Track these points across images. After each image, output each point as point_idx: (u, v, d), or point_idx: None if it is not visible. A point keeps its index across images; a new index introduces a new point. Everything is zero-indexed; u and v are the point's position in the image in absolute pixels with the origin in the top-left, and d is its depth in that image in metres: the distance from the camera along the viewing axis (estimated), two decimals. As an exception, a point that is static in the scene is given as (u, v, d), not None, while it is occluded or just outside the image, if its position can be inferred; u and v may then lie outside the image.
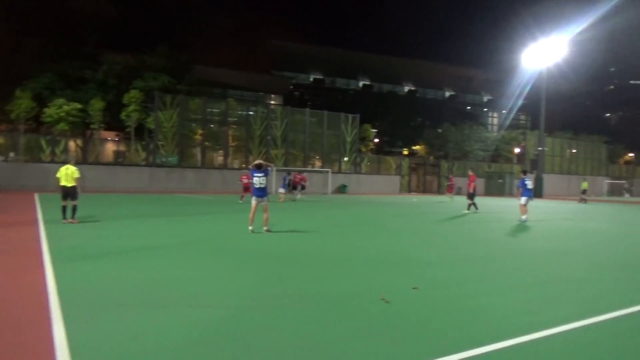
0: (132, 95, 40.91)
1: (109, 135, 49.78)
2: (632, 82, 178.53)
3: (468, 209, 19.21)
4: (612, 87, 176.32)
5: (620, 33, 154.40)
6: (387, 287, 5.37)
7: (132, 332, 3.69)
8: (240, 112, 42.61)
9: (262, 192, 10.34)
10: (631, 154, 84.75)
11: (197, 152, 39.14)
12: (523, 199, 15.22)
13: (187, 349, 3.37)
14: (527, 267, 7.11)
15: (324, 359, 3.24)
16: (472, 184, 19.34)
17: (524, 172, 16.13)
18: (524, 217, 15.08)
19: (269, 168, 10.48)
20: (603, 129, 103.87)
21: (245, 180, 21.87)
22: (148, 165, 35.49)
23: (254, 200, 10.38)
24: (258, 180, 10.29)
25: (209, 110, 39.78)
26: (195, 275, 5.95)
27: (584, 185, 34.12)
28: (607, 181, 59.97)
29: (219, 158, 40.89)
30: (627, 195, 59.50)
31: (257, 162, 10.51)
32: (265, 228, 10.43)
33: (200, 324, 3.92)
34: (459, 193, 33.33)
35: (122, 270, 6.06)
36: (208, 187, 36.13)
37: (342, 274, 6.22)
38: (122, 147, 41.55)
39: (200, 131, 39.35)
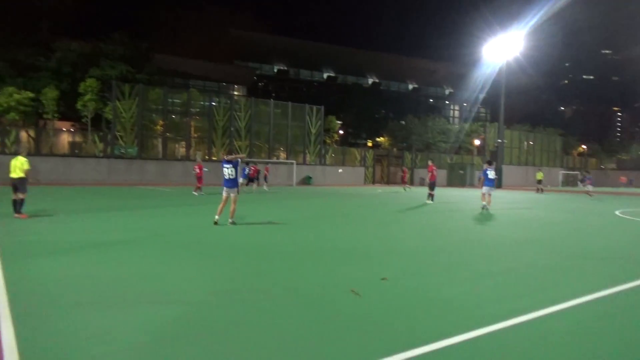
0: (89, 84, 39.26)
1: (64, 125, 47.68)
2: (585, 77, 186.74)
3: (429, 199, 19.50)
4: (566, 81, 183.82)
5: (575, 29, 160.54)
6: (355, 279, 5.28)
7: (88, 332, 3.45)
8: (202, 103, 41.67)
9: (231, 184, 10.27)
10: (584, 146, 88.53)
11: (158, 143, 38.07)
12: (484, 189, 15.66)
13: (146, 348, 3.16)
14: (491, 256, 7.20)
15: (293, 355, 3.11)
16: (432, 174, 19.66)
17: (489, 163, 16.51)
18: (484, 202, 15.55)
19: (239, 159, 10.25)
20: (558, 121, 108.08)
21: (197, 171, 21.54)
22: (106, 156, 34.24)
23: (224, 192, 10.33)
24: (227, 171, 10.21)
25: (170, 100, 38.69)
26: (157, 270, 5.68)
27: (539, 175, 35.38)
28: (562, 172, 62.37)
29: (181, 149, 39.94)
30: (580, 186, 62.07)
31: (227, 157, 10.24)
32: (230, 220, 10.24)
33: (162, 321, 3.71)
34: (422, 184, 33.91)
35: (78, 267, 5.72)
36: (170, 179, 35.24)
37: (310, 267, 6.10)
38: (78, 138, 39.92)
39: (161, 122, 38.25)
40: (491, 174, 15.84)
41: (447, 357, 3.13)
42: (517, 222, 12.51)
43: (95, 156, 34.33)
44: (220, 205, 10.29)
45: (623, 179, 54.14)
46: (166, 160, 36.32)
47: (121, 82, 36.69)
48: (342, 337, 3.47)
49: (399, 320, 3.92)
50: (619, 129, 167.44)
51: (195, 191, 21.50)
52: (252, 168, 25.89)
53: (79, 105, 40.15)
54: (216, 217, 10.18)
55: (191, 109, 39.23)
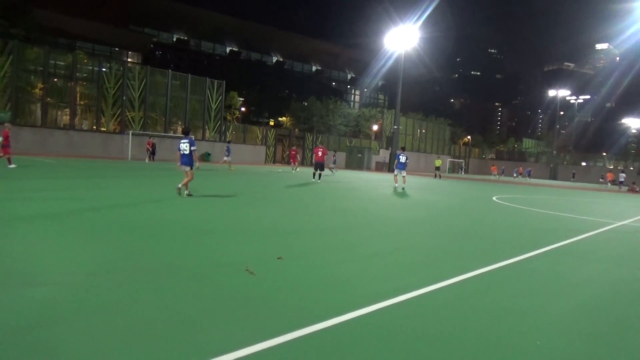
0: (-52, 35, 33.76)
1: None
2: (473, 72, 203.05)
3: (318, 178, 20.49)
4: (456, 75, 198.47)
5: (467, 27, 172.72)
6: (251, 258, 5.14)
7: None
8: (90, 68, 37.98)
9: (188, 160, 10.75)
10: (469, 137, 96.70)
11: (37, 108, 34.09)
12: (396, 171, 18.79)
13: (9, 333, 2.74)
14: (383, 235, 7.50)
15: (181, 335, 2.90)
16: (320, 155, 20.79)
17: (402, 149, 19.24)
18: (396, 185, 18.65)
19: (192, 137, 11.15)
20: (448, 112, 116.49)
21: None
22: (-30, 120, 29.93)
23: (181, 168, 10.86)
24: (183, 146, 10.76)
25: (52, 62, 34.68)
26: (30, 249, 5.03)
27: (438, 162, 38.06)
28: (449, 159, 67.53)
29: (64, 117, 36.20)
30: (461, 173, 67.89)
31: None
32: (186, 192, 10.73)
33: (32, 304, 3.26)
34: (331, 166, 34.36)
35: None
36: (50, 150, 31.85)
37: (204, 245, 5.83)
38: None
39: (40, 85, 34.23)
40: (402, 158, 18.45)
41: (336, 334, 3.13)
42: (409, 205, 13.24)
43: (-44, 119, 29.83)
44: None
45: (494, 168, 60.29)
46: (46, 128, 32.73)
47: (-9, 36, 32.08)
48: (232, 315, 3.32)
49: (293, 298, 3.87)
50: (499, 123, 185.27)
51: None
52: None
53: None
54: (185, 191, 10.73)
55: (77, 74, 35.59)
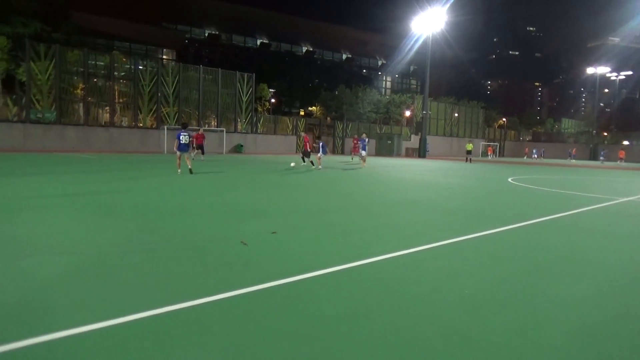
0: (-2, 42, 36.32)
1: (-29, 86, 43.90)
2: (511, 52, 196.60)
3: (303, 162, 21.99)
4: (493, 56, 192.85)
5: (501, 5, 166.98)
6: (250, 233, 6.03)
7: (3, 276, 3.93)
8: (127, 66, 39.98)
9: (186, 147, 14.96)
10: (504, 119, 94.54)
11: (79, 108, 36.26)
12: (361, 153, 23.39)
13: (39, 291, 3.71)
14: (374, 215, 8.23)
15: (178, 289, 3.79)
16: (308, 144, 21.86)
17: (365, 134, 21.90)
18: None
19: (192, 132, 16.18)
20: (482, 94, 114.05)
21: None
22: (21, 121, 32.29)
23: (178, 153, 14.89)
24: (184, 137, 14.74)
25: (91, 62, 36.76)
26: (63, 227, 6.11)
27: (469, 146, 37.77)
28: (483, 143, 66.58)
29: (105, 115, 38.34)
30: (492, 156, 66.93)
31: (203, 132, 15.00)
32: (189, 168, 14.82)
33: (60, 268, 4.24)
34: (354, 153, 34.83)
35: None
36: (92, 146, 33.97)
37: (210, 224, 6.76)
38: (-13, 101, 37.06)
39: (82, 85, 36.38)
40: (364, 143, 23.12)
41: (304, 286, 3.97)
42: (415, 187, 13.83)
43: (8, 120, 32.23)
44: (177, 162, 15.15)
45: (526, 150, 60.06)
46: (88, 126, 34.86)
47: (35, 41, 34.27)
48: (217, 273, 4.21)
49: (276, 262, 4.72)
50: (539, 104, 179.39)
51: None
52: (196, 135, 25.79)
53: (-13, 65, 37.14)
54: (178, 170, 14.95)
55: (115, 73, 37.56)
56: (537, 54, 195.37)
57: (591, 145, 67.48)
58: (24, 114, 32.59)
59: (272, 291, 3.77)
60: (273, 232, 6.08)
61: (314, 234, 6.31)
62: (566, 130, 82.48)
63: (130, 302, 3.39)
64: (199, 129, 29.33)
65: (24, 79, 33.82)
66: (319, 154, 21.52)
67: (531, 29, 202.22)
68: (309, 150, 21.94)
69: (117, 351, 2.61)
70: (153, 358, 2.56)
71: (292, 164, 18.52)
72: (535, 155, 57.76)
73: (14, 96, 35.05)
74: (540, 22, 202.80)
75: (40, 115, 32.75)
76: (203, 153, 25.62)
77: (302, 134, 23.10)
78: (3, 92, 37.03)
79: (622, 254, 5.68)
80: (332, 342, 2.82)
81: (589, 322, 3.32)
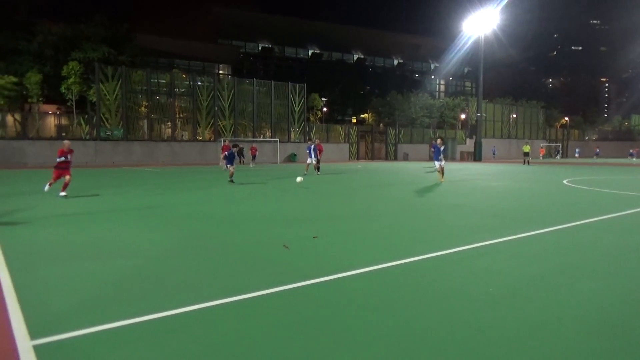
0: (71, 67, 39.61)
1: (50, 108, 47.94)
2: (573, 48, 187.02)
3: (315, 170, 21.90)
4: (554, 53, 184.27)
5: (563, 1, 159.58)
6: (293, 238, 6.42)
7: (66, 276, 4.56)
8: (186, 83, 42.25)
9: (230, 161, 16.50)
10: (566, 118, 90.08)
11: (144, 124, 38.70)
12: (309, 160, 21.27)
13: (108, 287, 4.29)
14: (421, 218, 8.40)
15: (226, 284, 4.25)
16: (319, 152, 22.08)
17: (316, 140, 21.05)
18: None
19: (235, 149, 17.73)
20: (542, 94, 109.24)
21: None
22: (92, 139, 34.94)
23: (230, 167, 16.37)
24: (231, 152, 16.63)
25: (154, 81, 39.22)
26: (126, 234, 6.83)
27: (526, 148, 36.54)
28: (543, 144, 63.94)
29: (167, 130, 40.64)
30: (557, 157, 63.95)
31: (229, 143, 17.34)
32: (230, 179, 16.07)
33: (125, 269, 4.84)
34: (405, 159, 34.90)
35: (61, 234, 6.84)
36: (156, 160, 36.11)
37: (257, 230, 7.23)
38: (64, 121, 40.31)
39: (145, 103, 38.82)
40: (311, 148, 20.97)
41: (345, 283, 4.32)
42: (461, 192, 13.74)
43: (81, 139, 34.97)
44: (230, 173, 16.29)
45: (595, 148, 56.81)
46: (152, 141, 37.10)
47: (104, 64, 37.07)
48: (261, 272, 4.65)
49: (313, 263, 5.10)
50: (606, 101, 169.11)
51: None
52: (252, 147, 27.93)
53: (63, 89, 40.57)
54: (230, 179, 16.09)
55: (175, 90, 39.80)
56: (602, 48, 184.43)
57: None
58: (95, 132, 35.23)
59: (326, 285, 4.16)
60: (314, 237, 6.42)
61: (350, 237, 6.62)
62: (635, 127, 77.32)
63: (185, 296, 3.89)
64: (224, 140, 29.57)
65: (94, 99, 36.62)
66: (308, 160, 21.43)
67: (595, 22, 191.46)
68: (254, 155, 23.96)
69: (178, 333, 3.10)
70: (209, 336, 3.02)
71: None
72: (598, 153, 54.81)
73: (86, 116, 37.96)
74: (604, 14, 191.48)
75: (109, 133, 35.27)
76: (232, 164, 26.56)
77: (317, 141, 23.33)
78: (77, 113, 40.18)
79: (670, 254, 5.57)
80: (360, 329, 3.16)
81: (607, 318, 3.43)
